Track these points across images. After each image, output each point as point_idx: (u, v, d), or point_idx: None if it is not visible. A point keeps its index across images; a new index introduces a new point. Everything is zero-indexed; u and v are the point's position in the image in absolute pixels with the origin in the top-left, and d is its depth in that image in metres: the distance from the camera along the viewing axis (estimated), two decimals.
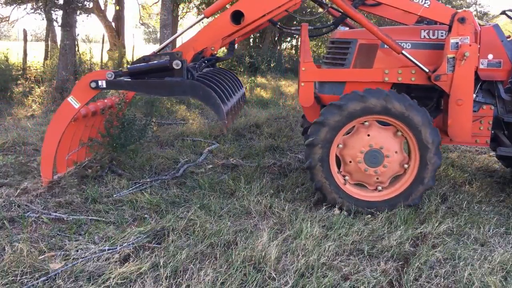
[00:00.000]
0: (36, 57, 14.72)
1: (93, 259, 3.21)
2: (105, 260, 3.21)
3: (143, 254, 3.30)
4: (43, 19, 12.85)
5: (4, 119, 7.91)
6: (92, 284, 2.91)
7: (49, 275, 2.97)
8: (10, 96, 9.94)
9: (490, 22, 5.04)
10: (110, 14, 21.00)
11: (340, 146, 4.25)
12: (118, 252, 3.31)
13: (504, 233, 3.94)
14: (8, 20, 16.67)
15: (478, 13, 24.84)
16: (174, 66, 4.15)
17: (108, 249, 3.35)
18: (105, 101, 5.14)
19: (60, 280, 2.93)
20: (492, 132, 4.59)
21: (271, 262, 3.18)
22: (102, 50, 15.00)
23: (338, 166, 4.34)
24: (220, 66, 5.66)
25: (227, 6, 4.80)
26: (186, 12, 22.21)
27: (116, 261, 3.19)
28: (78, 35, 12.21)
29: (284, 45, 23.95)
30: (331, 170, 4.22)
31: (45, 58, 14.75)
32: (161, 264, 3.12)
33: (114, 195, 4.45)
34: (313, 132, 4.17)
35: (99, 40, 17.74)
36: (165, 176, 5.10)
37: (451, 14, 4.20)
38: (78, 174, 4.76)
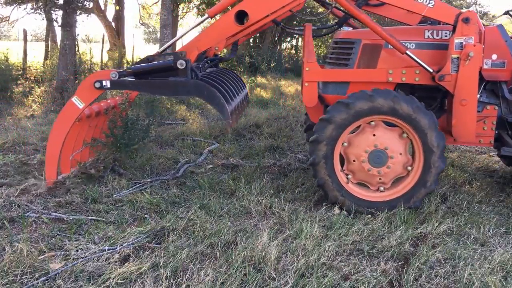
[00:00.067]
0: (36, 57, 14.72)
1: (93, 259, 3.21)
2: (105, 260, 3.21)
3: (143, 254, 3.30)
4: (43, 19, 12.85)
5: (4, 119, 7.92)
6: (92, 284, 2.91)
7: (49, 275, 2.97)
8: (10, 96, 9.94)
9: (493, 23, 5.04)
10: (110, 14, 21.04)
11: (345, 144, 4.25)
12: (118, 252, 3.31)
13: (504, 233, 3.94)
14: (8, 20, 16.66)
15: (478, 13, 24.87)
16: (179, 66, 4.15)
17: (108, 249, 3.35)
18: (108, 101, 5.14)
19: (60, 280, 2.93)
20: (496, 132, 4.58)
21: (271, 262, 3.18)
22: (102, 50, 15.00)
23: (341, 164, 4.34)
24: (222, 67, 5.65)
25: (228, 7, 4.79)
26: (186, 12, 22.23)
27: (116, 261, 3.19)
28: (78, 35, 12.22)
29: (284, 45, 23.95)
30: (335, 168, 4.22)
31: (45, 58, 14.75)
32: (161, 264, 3.12)
33: (114, 195, 4.45)
34: (318, 129, 4.17)
35: (99, 40, 17.75)
36: (165, 177, 5.10)
37: (455, 14, 4.20)
38: (83, 174, 4.76)
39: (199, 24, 5.02)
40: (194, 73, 4.23)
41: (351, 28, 5.22)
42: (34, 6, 12.13)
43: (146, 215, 4.05)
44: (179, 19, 21.53)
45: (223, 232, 3.64)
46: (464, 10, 4.26)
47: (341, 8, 4.92)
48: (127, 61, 15.14)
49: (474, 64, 4.12)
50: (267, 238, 3.50)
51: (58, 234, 3.63)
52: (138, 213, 4.11)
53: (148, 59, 4.33)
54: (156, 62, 4.25)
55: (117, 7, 20.17)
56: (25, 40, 13.73)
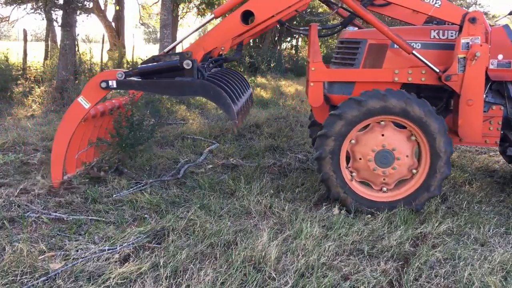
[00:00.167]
0: (36, 57, 14.72)
1: (93, 259, 3.21)
2: (105, 260, 3.21)
3: (143, 254, 3.30)
4: (43, 19, 12.85)
5: (4, 119, 7.92)
6: (92, 284, 2.91)
7: (49, 275, 2.97)
8: (10, 96, 9.94)
9: (498, 23, 5.04)
10: (110, 14, 21.04)
11: (353, 141, 4.24)
12: (118, 252, 3.31)
13: (504, 233, 3.94)
14: (8, 20, 16.65)
15: None
16: (185, 66, 4.15)
17: (108, 249, 3.35)
18: (113, 101, 5.14)
19: (60, 280, 2.93)
20: (502, 132, 4.58)
21: (271, 262, 3.18)
22: (102, 50, 14.99)
23: (346, 161, 4.33)
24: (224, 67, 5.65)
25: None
26: (186, 12, 22.23)
27: (116, 261, 3.19)
28: (78, 35, 12.22)
29: (284, 45, 23.95)
30: (340, 164, 4.21)
31: (45, 58, 14.75)
32: (161, 264, 3.12)
33: (114, 195, 4.45)
34: (328, 124, 4.16)
35: (99, 40, 17.74)
36: (166, 177, 5.10)
37: (461, 14, 4.21)
38: (89, 175, 4.75)
39: (205, 24, 5.01)
40: (200, 73, 4.22)
41: (356, 28, 5.22)
42: (34, 6, 12.13)
43: (146, 215, 4.05)
44: (179, 19, 21.54)
45: (223, 232, 3.64)
46: (474, 10, 4.26)
47: (347, 8, 4.92)
48: (127, 61, 15.14)
49: (481, 64, 4.12)
50: (267, 238, 3.50)
51: (58, 234, 3.62)
52: (138, 213, 4.11)
53: (154, 59, 4.32)
54: (162, 62, 4.24)
55: (117, 7, 20.17)
56: (25, 40, 13.73)
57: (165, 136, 6.97)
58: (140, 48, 25.77)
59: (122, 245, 3.42)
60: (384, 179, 4.28)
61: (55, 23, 12.05)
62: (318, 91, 4.54)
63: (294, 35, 22.90)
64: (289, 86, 14.57)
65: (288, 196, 4.63)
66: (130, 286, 2.93)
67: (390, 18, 5.30)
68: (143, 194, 4.43)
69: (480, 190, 4.96)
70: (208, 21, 4.91)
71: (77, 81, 10.56)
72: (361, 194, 4.26)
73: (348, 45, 4.73)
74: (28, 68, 13.22)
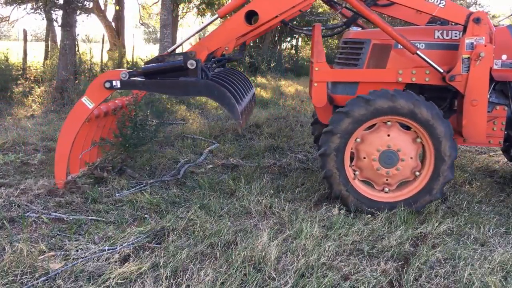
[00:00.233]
0: (36, 57, 14.71)
1: (93, 259, 3.21)
2: (105, 260, 3.21)
3: (143, 254, 3.30)
4: (43, 19, 12.84)
5: (4, 119, 7.91)
6: (92, 284, 2.91)
7: (49, 275, 2.97)
8: (10, 96, 9.94)
9: (502, 23, 5.04)
10: (110, 14, 21.03)
11: (358, 140, 4.24)
12: (118, 252, 3.31)
13: (504, 233, 3.94)
14: (8, 20, 16.64)
15: None
16: (189, 66, 4.14)
17: (108, 249, 3.35)
18: (116, 101, 5.14)
19: (60, 280, 2.93)
20: (505, 132, 4.58)
21: (271, 262, 3.18)
22: (102, 50, 14.99)
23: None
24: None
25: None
26: (186, 12, 22.22)
27: (116, 261, 3.19)
28: (78, 35, 12.22)
29: (284, 45, 23.94)
30: (344, 162, 4.20)
31: (45, 58, 14.75)
32: (161, 264, 3.12)
33: (117, 194, 4.46)
34: (335, 121, 4.15)
35: (99, 40, 17.75)
36: (166, 177, 5.10)
37: (466, 15, 4.20)
38: (93, 175, 4.75)
39: (208, 24, 5.00)
40: (204, 73, 4.22)
41: (360, 28, 5.22)
42: (34, 6, 12.12)
43: (146, 215, 4.05)
44: (179, 19, 21.53)
45: (223, 232, 3.64)
46: (478, 10, 4.25)
47: (351, 8, 4.92)
48: (127, 61, 15.14)
49: (485, 65, 4.12)
50: (267, 238, 3.50)
51: (58, 234, 3.63)
52: (138, 213, 4.11)
53: (157, 59, 4.32)
54: (166, 62, 4.23)
55: (117, 7, 20.17)
56: (25, 40, 13.72)
57: (168, 136, 6.97)
58: (140, 48, 25.77)
59: (122, 245, 3.42)
60: (386, 180, 4.27)
61: (55, 23, 12.05)
62: (322, 91, 4.54)
63: (294, 35, 22.88)
64: (289, 86, 14.57)
65: (288, 196, 4.63)
66: (130, 286, 2.93)
67: (390, 18, 5.29)
68: (143, 194, 4.43)
69: (480, 190, 4.96)
70: (212, 21, 4.90)
71: (77, 81, 10.57)
72: (362, 193, 4.25)
73: (352, 45, 4.73)
74: (28, 68, 13.22)
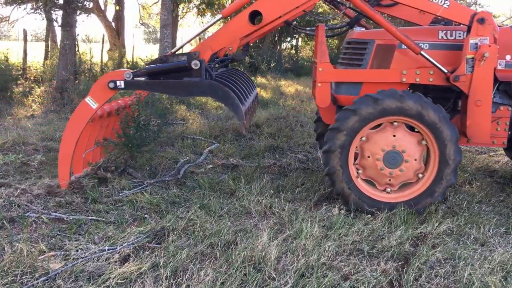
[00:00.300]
0: (36, 57, 14.71)
1: (93, 259, 3.21)
2: (105, 260, 3.21)
3: (143, 254, 3.30)
4: (43, 19, 12.84)
5: (4, 119, 7.91)
6: (92, 284, 2.91)
7: (49, 275, 2.97)
8: (10, 96, 9.94)
9: (506, 24, 5.04)
10: (110, 14, 21.02)
11: (363, 139, 4.23)
12: (118, 252, 3.31)
13: (504, 233, 3.94)
14: (8, 20, 16.64)
15: None
16: (193, 66, 4.14)
17: (108, 249, 3.35)
18: (119, 101, 5.15)
19: (60, 280, 2.93)
20: (509, 133, 4.57)
21: (271, 262, 3.18)
22: (102, 50, 14.99)
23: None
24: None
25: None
26: (186, 12, 22.23)
27: (116, 261, 3.19)
28: (78, 35, 12.22)
29: (284, 45, 23.95)
30: (348, 160, 4.19)
31: (45, 58, 14.74)
32: (161, 264, 3.12)
33: (121, 194, 4.46)
34: (341, 118, 4.14)
35: (99, 40, 17.73)
36: (167, 177, 5.10)
37: (470, 15, 4.20)
38: (97, 175, 4.75)
39: (212, 24, 5.00)
40: (208, 73, 4.22)
41: (364, 29, 5.21)
42: (34, 6, 12.12)
43: (146, 215, 4.05)
44: (179, 19, 21.54)
45: (223, 232, 3.64)
46: (482, 10, 4.24)
47: (355, 8, 4.92)
48: (127, 61, 15.14)
49: (489, 65, 4.12)
50: (267, 238, 3.50)
51: (58, 234, 3.63)
52: (138, 213, 4.11)
53: (161, 59, 4.32)
54: (170, 62, 4.23)
55: (117, 7, 20.16)
56: (25, 40, 13.72)
57: (171, 136, 6.96)
58: (140, 48, 25.76)
59: (122, 245, 3.42)
60: (389, 180, 4.27)
61: (55, 23, 12.05)
62: (326, 91, 4.53)
63: (294, 35, 22.87)
64: (289, 86, 14.57)
65: (288, 196, 4.63)
66: (130, 286, 2.93)
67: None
68: (143, 194, 4.43)
69: (480, 190, 4.96)
70: (216, 21, 4.90)
71: (77, 81, 10.56)
72: (364, 192, 4.25)
73: (355, 45, 4.72)
74: (28, 68, 13.22)
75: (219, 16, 4.61)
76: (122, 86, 4.33)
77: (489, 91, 4.19)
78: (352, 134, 4.13)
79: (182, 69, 4.19)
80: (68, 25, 10.56)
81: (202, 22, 24.00)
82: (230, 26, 4.43)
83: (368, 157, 4.25)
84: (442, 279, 3.13)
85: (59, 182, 4.43)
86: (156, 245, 3.48)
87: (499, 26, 4.44)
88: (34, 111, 8.94)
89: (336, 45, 22.99)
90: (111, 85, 4.30)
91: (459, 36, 4.39)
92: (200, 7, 19.96)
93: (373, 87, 4.31)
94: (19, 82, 11.19)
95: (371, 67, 4.53)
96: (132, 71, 4.36)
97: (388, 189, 4.30)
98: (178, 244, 3.44)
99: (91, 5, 14.68)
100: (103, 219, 3.93)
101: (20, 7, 13.48)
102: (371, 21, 4.78)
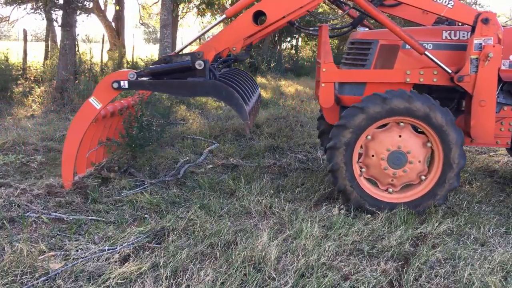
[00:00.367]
0: (36, 57, 14.71)
1: (93, 259, 3.21)
2: (105, 260, 3.21)
3: (143, 254, 3.30)
4: (43, 19, 12.85)
5: (4, 119, 7.91)
6: (92, 284, 2.91)
7: (49, 275, 2.97)
8: (10, 96, 9.94)
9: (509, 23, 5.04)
10: (110, 14, 21.03)
11: (369, 137, 4.22)
12: (118, 252, 3.31)
13: (504, 233, 3.94)
14: (8, 20, 16.65)
15: None
16: (197, 67, 4.14)
17: (108, 249, 3.35)
18: (122, 101, 5.14)
19: (60, 280, 2.93)
20: None
21: (271, 262, 3.18)
22: (102, 50, 14.99)
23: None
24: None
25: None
26: (186, 12, 22.23)
27: (116, 261, 3.19)
28: (78, 35, 12.22)
29: (284, 45, 23.95)
30: (353, 158, 4.19)
31: (45, 58, 14.74)
32: (161, 264, 3.12)
33: (123, 194, 4.46)
34: (348, 115, 4.13)
35: (99, 40, 17.74)
36: (167, 177, 5.10)
37: (474, 15, 4.20)
38: (100, 175, 4.75)
39: (216, 24, 5.00)
40: (212, 73, 4.22)
41: (367, 29, 5.21)
42: (34, 6, 12.13)
43: (146, 215, 4.05)
44: (179, 19, 21.53)
45: (223, 232, 3.64)
46: (486, 10, 4.23)
47: (358, 8, 4.92)
48: (127, 61, 15.14)
49: (493, 65, 4.12)
50: (267, 238, 3.50)
51: (58, 234, 3.63)
52: (138, 213, 4.11)
53: (165, 59, 4.32)
54: (173, 62, 4.23)
55: (117, 7, 20.16)
56: (25, 40, 13.72)
57: (174, 136, 6.96)
58: (140, 48, 25.76)
59: (122, 245, 3.42)
60: (392, 180, 4.27)
61: (55, 23, 12.04)
62: (330, 92, 4.53)
63: (294, 35, 22.87)
64: (289, 86, 14.57)
65: (288, 196, 4.63)
66: (130, 286, 2.93)
67: (407, 20, 5.26)
68: (143, 194, 4.43)
69: (480, 190, 4.96)
70: (219, 22, 4.89)
71: (77, 81, 10.56)
72: (366, 191, 4.24)
73: (359, 45, 4.72)
74: (28, 68, 13.22)
75: (223, 16, 4.60)
76: (126, 86, 4.33)
77: (493, 91, 4.18)
78: (358, 132, 4.12)
79: (186, 69, 4.19)
80: (68, 25, 10.56)
81: (202, 22, 24.02)
82: (234, 26, 4.42)
83: (373, 156, 4.24)
84: (442, 279, 3.13)
85: (63, 182, 4.43)
86: (156, 245, 3.48)
87: (503, 26, 4.44)
88: (34, 111, 8.94)
89: (336, 45, 22.99)
90: (115, 85, 4.30)
91: (463, 36, 4.39)
92: (200, 7, 19.94)
93: (376, 87, 4.30)
94: (19, 82, 11.18)
95: (374, 67, 4.52)
96: (136, 71, 4.36)
97: (390, 189, 4.30)
98: (178, 244, 3.44)
99: (91, 5, 14.69)
100: (103, 219, 3.94)
101: (20, 7, 13.50)
102: (372, 21, 4.77)
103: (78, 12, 11.25)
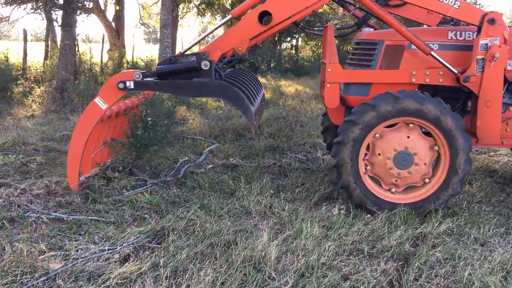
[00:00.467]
0: (36, 57, 14.72)
1: (93, 259, 3.21)
2: (105, 260, 3.21)
3: (143, 254, 3.30)
4: (43, 19, 12.86)
5: (4, 119, 7.92)
6: (92, 284, 2.91)
7: (49, 275, 2.97)
8: (10, 96, 9.95)
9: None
10: (110, 14, 21.03)
11: (377, 135, 4.21)
12: (118, 252, 3.31)
13: (504, 233, 3.94)
14: (8, 20, 16.65)
15: None
16: (203, 67, 4.14)
17: (108, 249, 3.35)
18: (127, 101, 5.14)
19: (60, 280, 2.93)
20: None
21: (271, 262, 3.18)
22: (102, 50, 14.99)
23: None
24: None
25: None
26: (186, 12, 22.22)
27: (116, 261, 3.19)
28: (78, 35, 12.23)
29: (284, 45, 23.95)
30: (359, 155, 4.17)
31: (45, 58, 14.75)
32: (161, 264, 3.12)
33: (125, 193, 4.46)
34: (358, 112, 4.12)
35: (99, 40, 17.74)
36: (168, 177, 5.10)
37: (480, 15, 4.19)
38: (105, 175, 4.75)
39: (221, 24, 4.99)
40: (217, 73, 4.22)
41: (373, 29, 5.21)
42: (34, 6, 12.14)
43: (146, 215, 4.05)
44: (179, 19, 21.53)
45: (223, 232, 3.64)
46: (492, 11, 4.23)
47: (364, 9, 4.91)
48: (127, 61, 15.14)
49: (499, 65, 4.12)
50: (267, 238, 3.50)
51: (58, 234, 3.63)
52: (138, 213, 4.11)
53: (170, 59, 4.31)
54: (179, 63, 4.23)
55: (117, 7, 20.16)
56: (25, 40, 13.73)
57: (178, 136, 6.95)
58: (140, 48, 25.76)
59: (122, 245, 3.42)
60: (396, 180, 4.26)
61: (55, 23, 12.06)
62: (335, 92, 4.52)
63: (294, 35, 22.87)
64: (289, 86, 14.57)
65: (288, 196, 4.63)
66: (130, 286, 2.93)
67: (412, 20, 5.26)
68: (143, 194, 4.43)
69: (480, 190, 4.96)
70: (225, 22, 4.89)
71: (77, 81, 10.57)
72: (370, 189, 4.23)
73: (364, 46, 4.71)
74: (28, 68, 13.22)
75: (229, 16, 4.60)
76: (132, 86, 4.32)
77: (499, 92, 4.18)
78: (367, 129, 4.11)
79: (191, 70, 4.18)
80: (68, 25, 10.57)
81: (202, 22, 24.01)
82: (239, 27, 4.41)
83: (379, 154, 4.23)
84: (442, 279, 3.13)
85: (68, 182, 4.43)
86: (156, 245, 3.48)
87: (509, 27, 4.44)
88: (34, 111, 8.94)
89: (337, 45, 22.96)
90: (121, 85, 4.29)
91: (469, 37, 4.38)
92: (200, 7, 19.95)
93: (382, 88, 4.29)
94: (19, 82, 11.19)
95: (380, 68, 4.51)
96: (141, 71, 4.35)
97: (393, 190, 4.29)
98: (178, 244, 3.44)
99: (91, 5, 14.69)
100: (103, 219, 3.93)
101: (20, 7, 13.50)
102: (377, 21, 4.76)
103: (78, 12, 11.27)
